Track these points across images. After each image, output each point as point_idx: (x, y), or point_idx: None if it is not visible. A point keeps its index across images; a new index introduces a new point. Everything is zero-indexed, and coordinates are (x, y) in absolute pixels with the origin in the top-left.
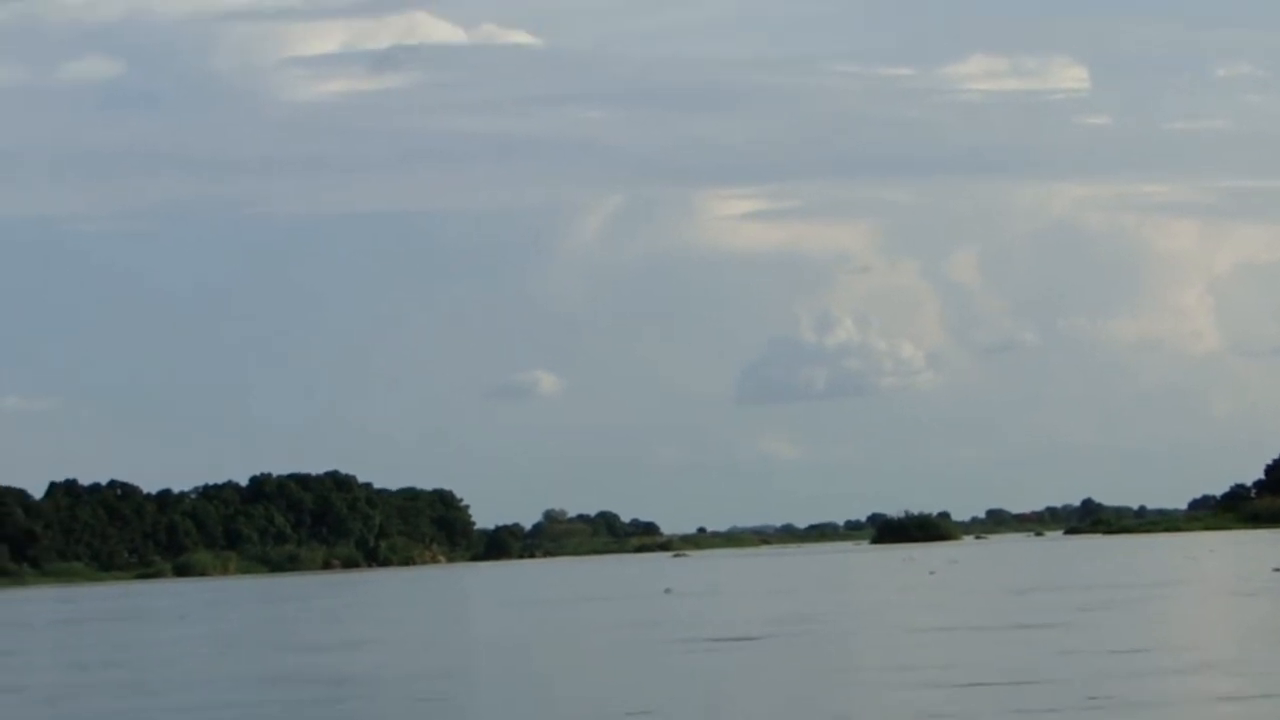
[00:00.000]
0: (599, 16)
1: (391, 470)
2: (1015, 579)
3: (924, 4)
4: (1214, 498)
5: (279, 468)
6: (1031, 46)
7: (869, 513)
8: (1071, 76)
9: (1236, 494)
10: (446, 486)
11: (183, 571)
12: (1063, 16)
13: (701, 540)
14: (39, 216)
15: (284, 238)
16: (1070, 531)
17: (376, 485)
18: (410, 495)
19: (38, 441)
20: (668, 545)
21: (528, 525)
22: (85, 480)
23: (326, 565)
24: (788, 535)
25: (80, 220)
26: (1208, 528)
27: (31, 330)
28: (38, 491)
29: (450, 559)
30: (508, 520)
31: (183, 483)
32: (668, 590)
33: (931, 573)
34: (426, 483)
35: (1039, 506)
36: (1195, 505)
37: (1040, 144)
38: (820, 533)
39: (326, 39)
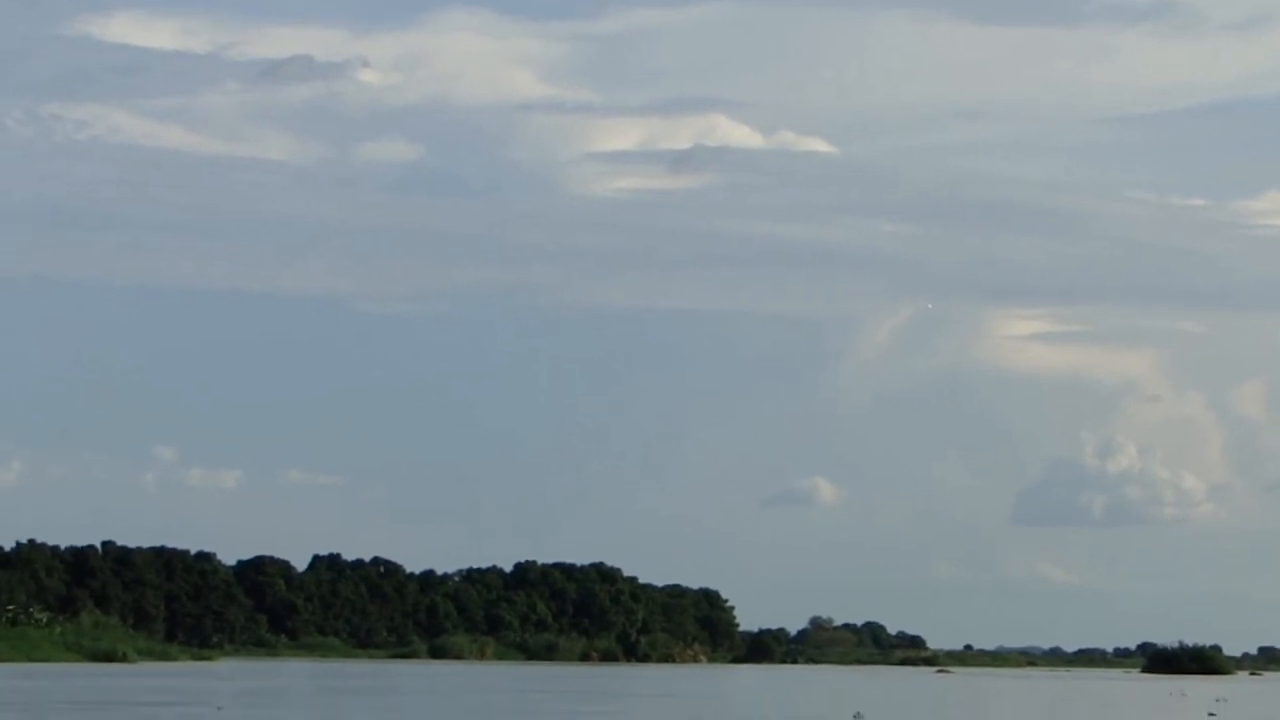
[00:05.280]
0: (896, 129)
1: (659, 566)
2: None
3: (1222, 138)
4: None
5: (544, 555)
6: None
7: (1139, 641)
8: None
9: None
10: (713, 586)
11: (438, 654)
12: None
13: (967, 657)
14: (332, 294)
15: (575, 328)
16: None
17: (642, 580)
18: (676, 592)
19: (313, 516)
20: (932, 660)
21: (793, 630)
22: (349, 556)
23: (584, 657)
24: (1055, 658)
25: (372, 300)
26: None
27: (320, 406)
28: (301, 565)
29: (711, 659)
30: (773, 624)
31: (447, 564)
32: (857, 715)
33: (1211, 715)
34: (693, 581)
35: None
36: None
37: None
38: (1088, 658)
39: (624, 136)
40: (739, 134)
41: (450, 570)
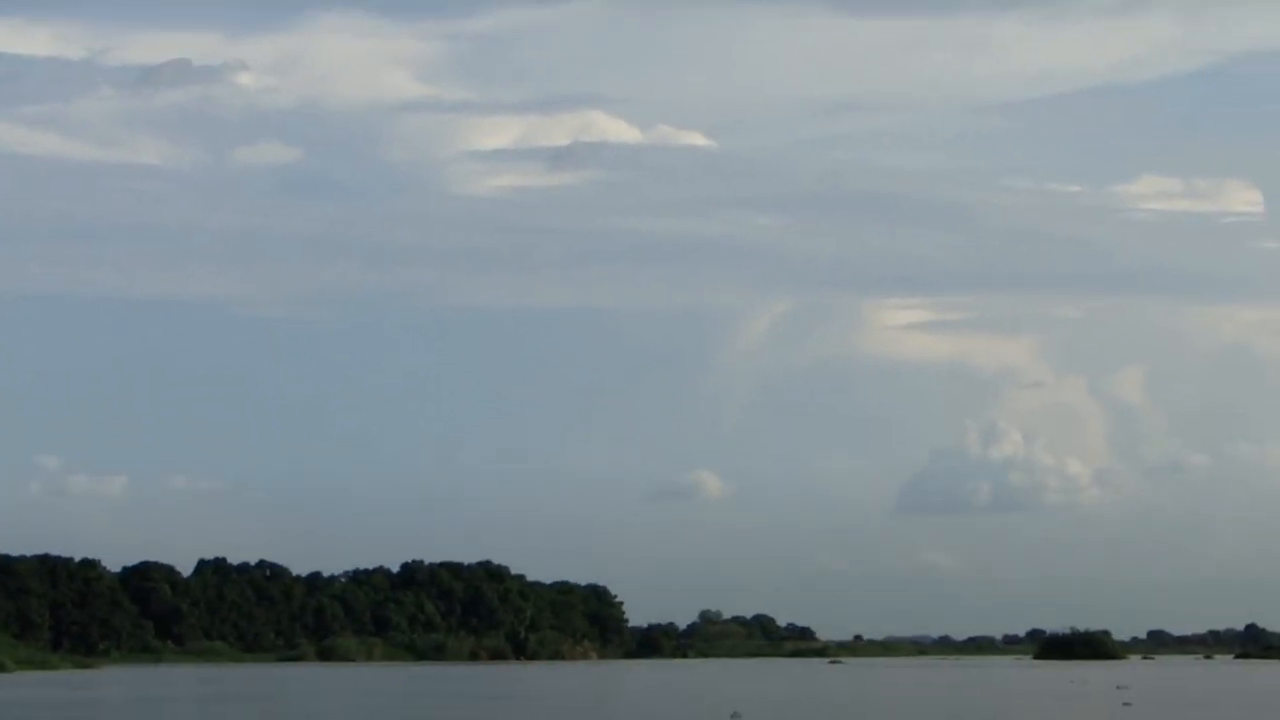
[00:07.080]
0: (773, 121)
1: (546, 563)
2: (1229, 714)
3: (1097, 123)
4: None
5: (431, 555)
6: (1205, 169)
7: (1027, 628)
8: (1245, 200)
9: None
10: (602, 582)
11: (326, 656)
12: (1238, 140)
13: (858, 648)
14: (210, 299)
15: (456, 329)
16: (1241, 656)
17: (530, 578)
18: (564, 589)
19: (198, 521)
20: (823, 651)
21: (683, 625)
22: (235, 560)
23: (473, 656)
24: (944, 647)
25: (251, 304)
26: None
27: (203, 411)
28: (187, 570)
29: (602, 655)
30: (663, 619)
31: (334, 566)
32: (734, 716)
33: (1126, 704)
34: (581, 577)
35: (1201, 629)
36: None
37: (1212, 266)
38: (977, 646)
39: (502, 134)
40: (616, 129)
41: (336, 572)
